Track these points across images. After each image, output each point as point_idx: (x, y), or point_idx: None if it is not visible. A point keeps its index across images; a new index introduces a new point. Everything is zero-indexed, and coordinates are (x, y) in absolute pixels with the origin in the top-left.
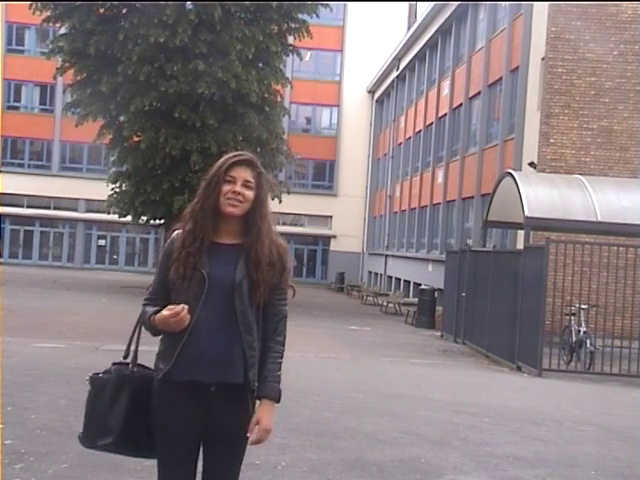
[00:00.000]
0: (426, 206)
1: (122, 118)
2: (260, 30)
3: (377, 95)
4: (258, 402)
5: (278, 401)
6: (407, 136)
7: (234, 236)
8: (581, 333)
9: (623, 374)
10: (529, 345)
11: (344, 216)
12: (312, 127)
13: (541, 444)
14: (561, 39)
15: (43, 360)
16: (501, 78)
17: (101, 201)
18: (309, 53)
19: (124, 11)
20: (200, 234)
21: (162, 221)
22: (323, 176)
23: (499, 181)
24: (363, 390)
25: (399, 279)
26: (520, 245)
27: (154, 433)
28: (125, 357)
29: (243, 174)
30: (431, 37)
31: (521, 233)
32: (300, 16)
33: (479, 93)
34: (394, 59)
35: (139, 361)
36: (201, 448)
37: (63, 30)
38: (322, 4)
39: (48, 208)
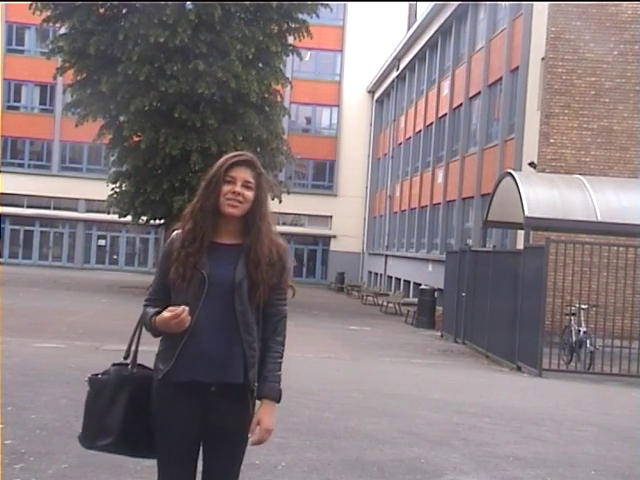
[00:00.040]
0: (426, 206)
1: (122, 118)
2: (260, 30)
3: (377, 95)
4: (258, 402)
5: (279, 401)
6: (407, 136)
7: (234, 236)
8: (581, 333)
9: (623, 374)
10: (529, 345)
11: (344, 216)
12: (312, 127)
13: (541, 444)
14: (561, 39)
15: (43, 360)
16: (501, 78)
17: (101, 201)
18: (309, 53)
19: (124, 11)
20: (200, 234)
21: (162, 221)
22: (323, 176)
23: (499, 181)
24: (363, 390)
25: (399, 279)
26: (520, 245)
27: (154, 433)
28: (126, 357)
29: (243, 174)
30: (431, 37)
31: (521, 233)
32: (300, 16)
33: (479, 93)
34: (394, 59)
35: (140, 361)
36: (201, 448)
37: (63, 30)
38: (322, 4)
39: (48, 208)
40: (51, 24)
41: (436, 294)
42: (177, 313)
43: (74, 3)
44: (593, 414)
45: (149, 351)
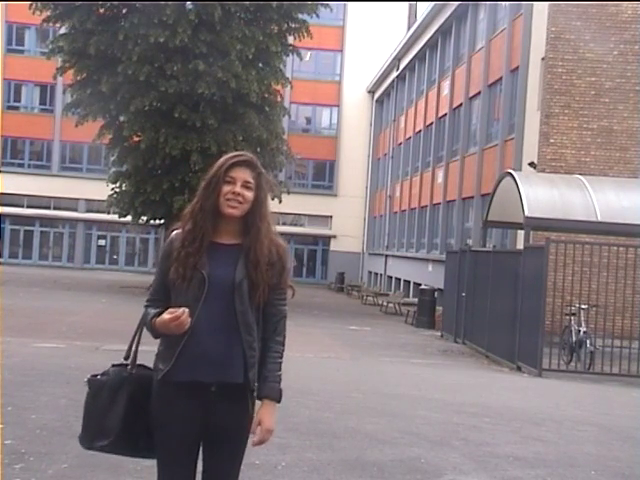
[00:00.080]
0: (426, 206)
1: (122, 118)
2: (260, 30)
3: (377, 95)
4: (258, 402)
5: (279, 401)
6: (407, 136)
7: (234, 236)
8: (581, 333)
9: (623, 374)
10: (529, 345)
11: (344, 216)
12: (312, 127)
13: (541, 444)
14: (561, 39)
15: (43, 360)
16: (501, 78)
17: (101, 201)
18: (309, 53)
19: (124, 11)
20: (200, 234)
21: (162, 221)
22: (323, 176)
23: (499, 181)
24: (363, 390)
25: (399, 279)
26: (520, 245)
27: (154, 433)
28: (126, 358)
29: (243, 175)
30: (431, 37)
31: (521, 233)
32: (300, 16)
33: (479, 93)
34: (394, 59)
35: (142, 361)
36: (201, 448)
37: (63, 30)
38: (322, 4)
39: (48, 208)
40: (51, 24)
41: (436, 294)
42: (177, 315)
43: (74, 3)
44: (593, 414)
45: (150, 351)
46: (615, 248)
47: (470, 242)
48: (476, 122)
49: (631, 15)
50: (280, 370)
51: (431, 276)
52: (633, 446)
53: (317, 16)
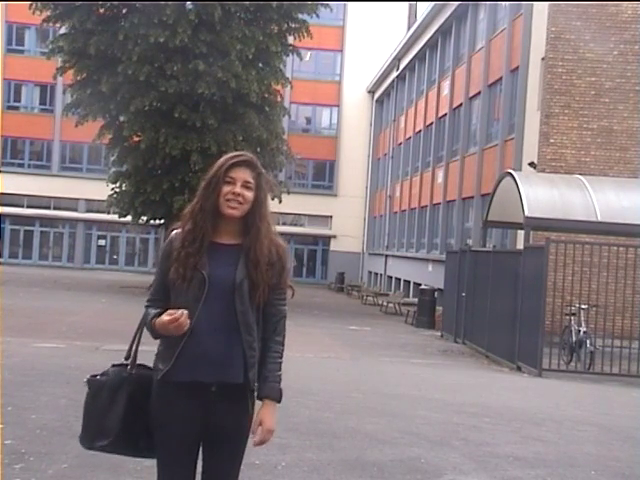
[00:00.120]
0: (426, 206)
1: (122, 118)
2: (260, 30)
3: (377, 95)
4: (258, 402)
5: (279, 401)
6: (407, 136)
7: (234, 236)
8: (581, 333)
9: (623, 374)
10: (529, 345)
11: (344, 216)
12: (312, 127)
13: (541, 444)
14: (561, 39)
15: (43, 360)
16: (501, 78)
17: (101, 201)
18: (309, 53)
19: (124, 11)
20: (200, 234)
21: (162, 221)
22: (323, 176)
23: (499, 181)
24: (363, 390)
25: (399, 279)
26: (520, 245)
27: (154, 433)
28: (127, 358)
29: (243, 175)
30: (431, 37)
31: (521, 233)
32: (300, 16)
33: (479, 93)
34: (394, 59)
35: (143, 361)
36: (201, 448)
37: (63, 30)
38: (322, 4)
39: (48, 208)
40: (51, 24)
41: (436, 294)
42: (176, 317)
43: (74, 3)
44: (593, 414)
45: (151, 351)
46: (615, 248)
47: (470, 242)
48: (476, 122)
49: (631, 15)
50: (280, 370)
51: (431, 276)
52: (633, 446)
53: (317, 16)
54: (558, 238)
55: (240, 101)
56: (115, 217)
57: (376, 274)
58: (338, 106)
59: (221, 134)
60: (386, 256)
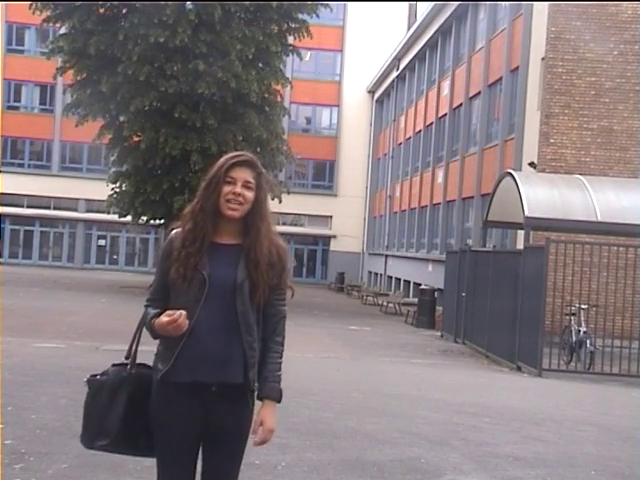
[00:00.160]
0: (426, 206)
1: (122, 118)
2: (260, 30)
3: (377, 95)
4: (257, 402)
5: (279, 401)
6: (407, 136)
7: (234, 236)
8: (581, 333)
9: (623, 374)
10: (529, 345)
11: (344, 216)
12: (312, 127)
13: (541, 444)
14: (561, 39)
15: (43, 360)
16: (501, 78)
17: (101, 201)
18: (309, 53)
19: (124, 11)
20: (200, 234)
21: (162, 221)
22: (323, 176)
23: (499, 181)
24: (363, 390)
25: (399, 279)
26: (520, 245)
27: (153, 433)
28: (127, 358)
29: (243, 175)
30: (431, 37)
31: (521, 233)
32: (300, 16)
33: (479, 93)
34: (394, 59)
35: (143, 361)
36: (200, 448)
37: (63, 30)
38: (322, 4)
39: (48, 208)
40: (51, 24)
41: (436, 294)
42: (174, 318)
43: (74, 3)
44: (593, 414)
45: (152, 351)
46: (615, 248)
47: (470, 242)
48: (476, 122)
49: (631, 15)
50: (280, 370)
51: (431, 276)
52: (633, 446)
53: (317, 16)
54: (558, 238)
55: (240, 101)
56: (115, 217)
57: (376, 274)
58: (338, 106)
59: (221, 134)
60: (386, 256)
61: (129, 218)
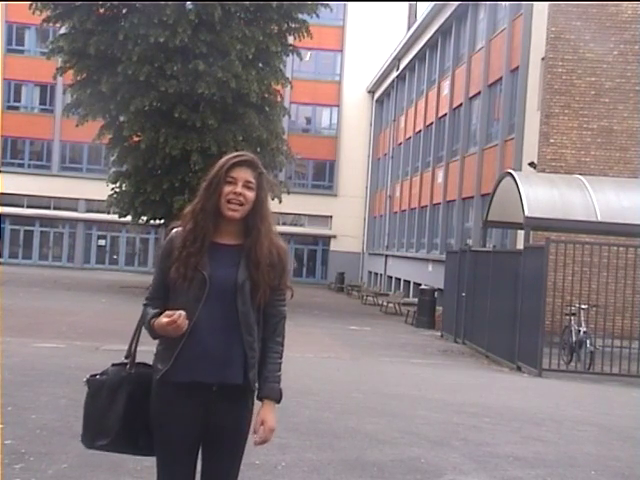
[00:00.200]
0: (426, 206)
1: (122, 118)
2: (260, 30)
3: (377, 95)
4: (257, 402)
5: (279, 401)
6: (407, 136)
7: (235, 237)
8: (581, 333)
9: (623, 374)
10: (529, 345)
11: (344, 216)
12: (312, 127)
13: (541, 444)
14: (561, 39)
15: (43, 360)
16: (501, 78)
17: (101, 201)
18: (309, 53)
19: (124, 11)
20: (201, 234)
21: (162, 221)
22: (323, 176)
23: (499, 181)
24: (363, 390)
25: (399, 279)
26: (520, 245)
27: (153, 433)
28: (127, 357)
29: (244, 175)
30: (431, 37)
31: (521, 233)
32: (300, 16)
33: (479, 93)
34: (394, 59)
35: (143, 360)
36: (200, 448)
37: (63, 30)
38: (322, 4)
39: (48, 208)
40: (51, 24)
41: (436, 294)
42: (174, 319)
43: (74, 3)
44: (593, 414)
45: (153, 351)
46: (615, 248)
47: (470, 242)
48: (476, 122)
49: (631, 15)
50: (280, 370)
51: (431, 276)
52: (633, 446)
53: (317, 16)
54: (558, 238)
55: (240, 101)
56: (115, 217)
57: (376, 274)
58: (338, 106)
59: (221, 134)
60: (386, 256)
61: (129, 218)
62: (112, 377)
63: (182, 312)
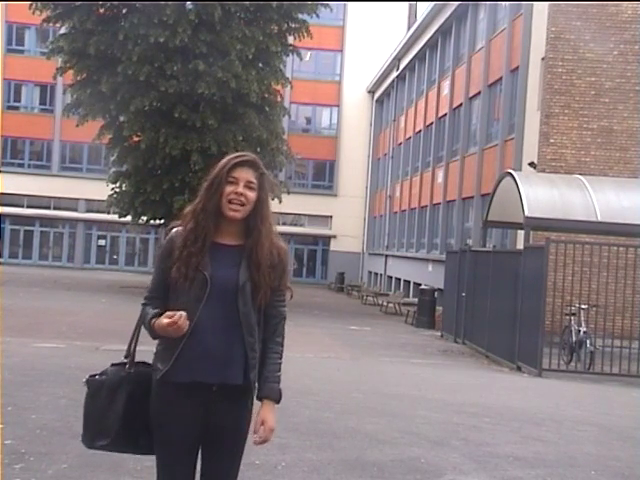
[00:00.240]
0: (426, 206)
1: (122, 118)
2: (260, 30)
3: (377, 95)
4: (257, 402)
5: (279, 401)
6: (407, 136)
7: (236, 237)
8: (581, 333)
9: (623, 374)
10: (529, 345)
11: (344, 216)
12: (312, 127)
13: (541, 444)
14: (561, 39)
15: (43, 360)
16: (501, 78)
17: (101, 201)
18: (309, 53)
19: (124, 11)
20: (202, 234)
21: (162, 221)
22: (323, 176)
23: (499, 181)
24: (363, 390)
25: (399, 279)
26: (520, 245)
27: (153, 433)
28: (126, 357)
29: (245, 175)
30: (431, 37)
31: (521, 233)
32: (300, 16)
33: (479, 93)
34: (394, 59)
35: (143, 360)
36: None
37: (63, 30)
38: (322, 4)
39: (48, 208)
40: (51, 24)
41: (436, 294)
42: (174, 320)
43: (74, 3)
44: (593, 414)
45: (153, 351)
46: (615, 248)
47: (470, 242)
48: (476, 122)
49: (631, 15)
50: (280, 371)
51: (431, 276)
52: (633, 446)
53: (317, 16)
54: (558, 238)
55: (240, 101)
56: (115, 217)
57: (376, 274)
58: (338, 106)
59: (221, 134)
60: (386, 256)
61: (129, 218)
62: (111, 377)
63: (183, 313)
